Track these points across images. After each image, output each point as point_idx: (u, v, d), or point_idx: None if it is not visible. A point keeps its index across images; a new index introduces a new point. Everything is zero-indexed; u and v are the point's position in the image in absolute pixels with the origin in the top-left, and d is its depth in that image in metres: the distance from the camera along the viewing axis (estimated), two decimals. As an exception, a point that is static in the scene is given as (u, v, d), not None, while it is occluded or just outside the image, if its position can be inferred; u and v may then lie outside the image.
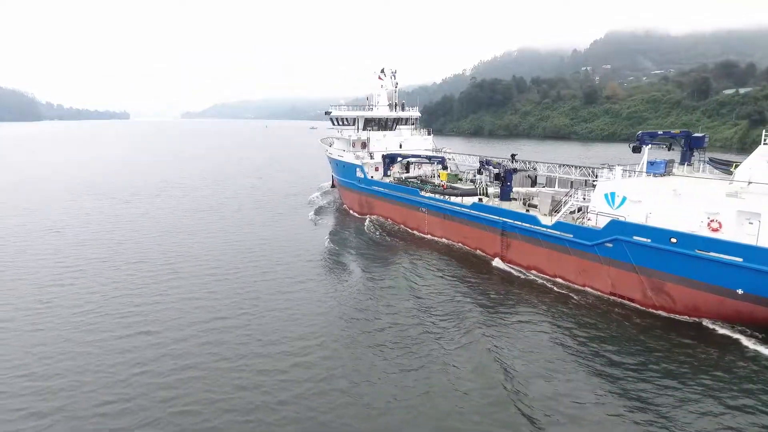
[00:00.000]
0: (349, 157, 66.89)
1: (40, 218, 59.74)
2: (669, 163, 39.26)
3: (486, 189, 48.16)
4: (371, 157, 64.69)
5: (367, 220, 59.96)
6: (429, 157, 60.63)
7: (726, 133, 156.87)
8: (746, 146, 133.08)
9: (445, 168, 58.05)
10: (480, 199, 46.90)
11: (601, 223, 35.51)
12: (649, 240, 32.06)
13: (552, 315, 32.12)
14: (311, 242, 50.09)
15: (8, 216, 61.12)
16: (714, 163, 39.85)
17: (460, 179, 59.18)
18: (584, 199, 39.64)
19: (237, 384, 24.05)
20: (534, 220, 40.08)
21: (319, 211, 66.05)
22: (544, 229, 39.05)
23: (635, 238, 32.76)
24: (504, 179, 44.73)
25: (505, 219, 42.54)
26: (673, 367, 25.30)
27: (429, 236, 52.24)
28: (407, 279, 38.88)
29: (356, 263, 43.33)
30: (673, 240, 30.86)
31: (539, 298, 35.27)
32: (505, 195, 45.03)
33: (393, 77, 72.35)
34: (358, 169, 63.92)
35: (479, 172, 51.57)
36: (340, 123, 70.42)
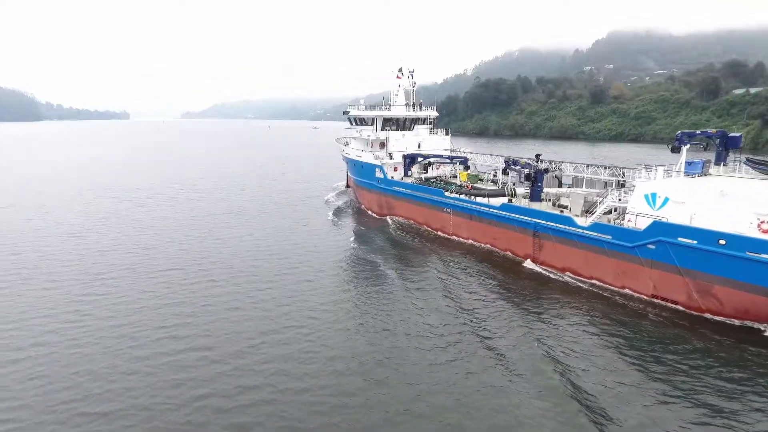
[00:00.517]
0: (367, 157, 66.23)
1: (56, 222, 58.15)
2: (706, 164, 38.69)
3: (514, 189, 47.55)
4: (390, 157, 64.06)
5: (389, 221, 59.33)
6: (451, 158, 60.04)
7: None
8: (759, 146, 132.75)
9: (467, 168, 57.49)
10: (510, 200, 46.24)
11: (641, 224, 34.87)
12: (695, 242, 31.40)
13: (598, 317, 31.58)
14: (339, 246, 48.97)
15: (23, 219, 59.57)
16: (752, 163, 39.17)
17: (481, 179, 58.56)
18: (620, 199, 39.08)
19: (315, 409, 21.96)
20: (569, 221, 39.43)
21: (337, 213, 65.38)
22: (580, 230, 38.41)
23: (680, 239, 32.11)
24: (535, 179, 44.11)
25: (537, 220, 41.89)
26: (735, 371, 24.77)
27: (454, 237, 51.60)
28: (442, 280, 38.33)
29: (388, 266, 42.56)
30: (722, 242, 30.20)
31: (580, 300, 34.69)
32: (535, 196, 44.38)
33: (411, 76, 71.77)
34: (377, 170, 63.27)
35: (504, 172, 50.96)
36: (359, 123, 69.75)
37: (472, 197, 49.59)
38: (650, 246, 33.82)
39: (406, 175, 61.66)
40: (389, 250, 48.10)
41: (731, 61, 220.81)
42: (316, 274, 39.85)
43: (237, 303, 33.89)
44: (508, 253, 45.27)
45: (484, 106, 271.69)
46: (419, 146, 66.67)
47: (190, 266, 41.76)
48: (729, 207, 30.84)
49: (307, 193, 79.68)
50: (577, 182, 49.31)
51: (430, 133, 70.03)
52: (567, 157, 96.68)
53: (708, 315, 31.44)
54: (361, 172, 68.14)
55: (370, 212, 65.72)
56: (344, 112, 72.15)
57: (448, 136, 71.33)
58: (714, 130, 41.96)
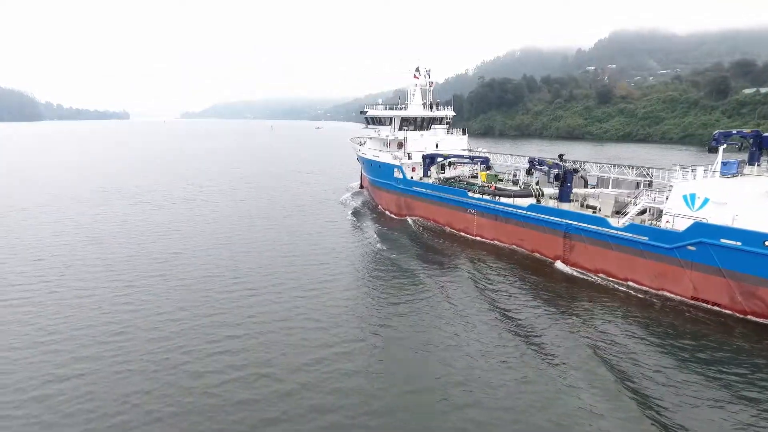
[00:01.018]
0: (385, 158, 65.69)
1: (73, 226, 56.30)
2: (741, 164, 38.21)
3: (541, 190, 47.02)
4: (409, 157, 63.55)
5: (409, 222, 58.80)
6: (472, 158, 59.46)
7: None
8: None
9: (488, 168, 56.95)
10: (538, 201, 45.69)
11: (680, 225, 34.35)
12: (739, 243, 30.88)
13: (641, 318, 31.20)
14: (369, 249, 47.81)
15: (38, 224, 57.43)
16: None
17: (500, 180, 57.88)
18: (653, 200, 38.59)
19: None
20: (603, 222, 38.90)
21: (356, 214, 64.76)
22: (614, 231, 37.89)
23: (723, 241, 31.59)
24: (564, 180, 43.59)
25: (568, 221, 41.37)
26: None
27: (478, 238, 51.07)
28: (478, 282, 37.90)
29: (418, 266, 42.11)
30: (768, 243, 29.70)
31: (619, 301, 34.26)
32: (564, 196, 43.84)
33: (427, 75, 71.30)
34: (396, 170, 62.75)
35: (528, 172, 50.47)
36: (376, 123, 69.21)
37: (497, 198, 49.07)
38: (690, 247, 33.29)
39: (425, 175, 61.13)
40: (418, 252, 47.38)
41: (740, 60, 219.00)
42: (358, 282, 38.47)
43: (285, 313, 32.08)
44: (536, 254, 44.75)
45: (489, 105, 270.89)
46: (437, 146, 66.14)
47: (224, 273, 39.84)
48: (774, 208, 30.31)
49: (324, 195, 79.01)
50: (601, 182, 48.77)
51: (447, 132, 69.52)
52: (577, 157, 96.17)
53: (752, 317, 30.93)
54: (378, 172, 67.59)
55: (388, 213, 65.10)
56: (361, 112, 71.63)
57: (465, 136, 70.78)
58: (749, 130, 41.50)
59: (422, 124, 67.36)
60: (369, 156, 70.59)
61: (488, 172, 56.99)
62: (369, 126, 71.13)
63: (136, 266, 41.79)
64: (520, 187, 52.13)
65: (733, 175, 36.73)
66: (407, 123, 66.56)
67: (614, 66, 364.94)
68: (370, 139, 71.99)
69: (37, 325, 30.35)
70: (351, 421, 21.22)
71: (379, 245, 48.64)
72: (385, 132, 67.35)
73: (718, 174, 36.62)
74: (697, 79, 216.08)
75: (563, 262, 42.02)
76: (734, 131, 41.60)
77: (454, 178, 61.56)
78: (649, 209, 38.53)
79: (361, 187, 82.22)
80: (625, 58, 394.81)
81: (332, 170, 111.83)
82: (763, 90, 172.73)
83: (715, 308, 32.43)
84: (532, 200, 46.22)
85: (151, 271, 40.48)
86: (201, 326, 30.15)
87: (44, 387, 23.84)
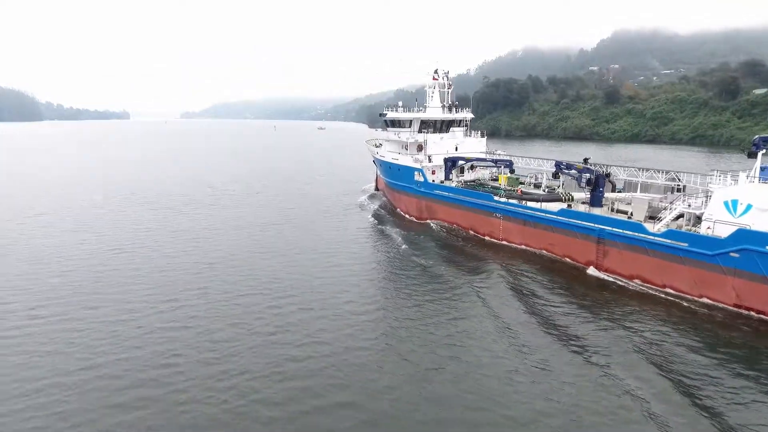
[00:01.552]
0: (405, 160, 65.21)
1: (95, 233, 54.08)
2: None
3: (570, 194, 46.59)
4: (429, 160, 63.11)
5: (432, 225, 58.37)
6: (495, 161, 59.00)
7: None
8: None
9: (512, 172, 56.50)
10: (569, 206, 45.26)
11: (721, 231, 33.96)
12: (786, 250, 30.50)
13: (683, 326, 30.86)
14: (397, 255, 47.02)
15: (62, 230, 55.62)
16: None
17: (521, 183, 57.37)
18: (689, 205, 38.18)
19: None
20: (639, 228, 38.48)
21: (377, 216, 64.33)
22: (652, 237, 37.48)
23: (768, 248, 31.21)
24: (596, 184, 43.19)
25: (602, 226, 40.96)
26: None
27: (504, 242, 50.64)
28: (512, 287, 37.48)
29: (451, 272, 41.60)
30: (818, 251, 29.31)
31: (659, 308, 33.85)
32: (596, 201, 43.47)
33: (446, 77, 70.92)
34: (416, 173, 62.29)
35: (555, 176, 50.05)
36: (396, 125, 68.69)
37: (524, 202, 48.63)
38: (733, 254, 32.90)
39: (446, 178, 60.70)
40: (448, 255, 46.88)
41: (748, 60, 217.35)
42: (399, 292, 37.33)
43: (348, 330, 30.39)
44: (567, 259, 44.34)
45: (495, 106, 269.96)
46: (456, 149, 65.72)
47: (268, 286, 37.77)
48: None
49: (341, 198, 78.36)
50: (628, 186, 48.33)
51: (466, 135, 69.09)
52: (582, 158, 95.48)
53: (799, 326, 30.56)
54: (398, 175, 67.08)
55: (408, 216, 64.59)
56: (380, 114, 71.19)
57: (484, 138, 70.36)
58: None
59: (441, 126, 66.93)
60: (388, 158, 70.04)
61: (509, 175, 56.59)
62: (388, 128, 70.60)
63: (173, 279, 39.46)
64: (543, 190, 51.68)
65: (772, 181, 36.27)
66: (426, 125, 66.12)
67: (617, 66, 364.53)
68: (388, 141, 71.49)
69: (83, 345, 28.52)
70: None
71: (408, 249, 48.17)
72: (405, 135, 66.82)
73: (757, 180, 36.20)
74: (704, 79, 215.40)
75: (596, 267, 41.59)
76: (776, 136, 41.10)
77: (474, 181, 61.11)
78: (686, 215, 38.13)
79: (377, 189, 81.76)
80: (627, 58, 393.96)
81: (343, 172, 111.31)
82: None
83: (760, 316, 32.04)
84: (561, 205, 45.77)
85: (189, 284, 38.16)
86: (258, 347, 28.24)
87: (104, 419, 22.00)
